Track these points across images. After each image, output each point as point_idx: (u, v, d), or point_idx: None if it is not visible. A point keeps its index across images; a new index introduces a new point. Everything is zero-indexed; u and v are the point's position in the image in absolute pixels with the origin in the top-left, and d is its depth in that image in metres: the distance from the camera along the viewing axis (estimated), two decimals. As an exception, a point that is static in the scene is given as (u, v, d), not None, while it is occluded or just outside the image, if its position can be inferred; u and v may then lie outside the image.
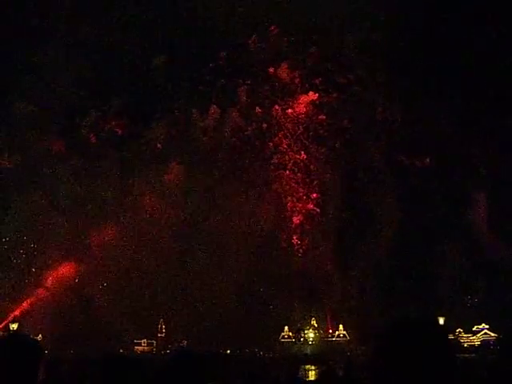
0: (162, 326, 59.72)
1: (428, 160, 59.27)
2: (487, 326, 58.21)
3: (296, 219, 60.78)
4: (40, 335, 55.70)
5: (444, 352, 2.42)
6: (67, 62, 58.55)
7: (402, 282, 55.87)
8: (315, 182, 61.33)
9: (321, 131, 62.18)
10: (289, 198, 60.71)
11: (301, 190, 61.07)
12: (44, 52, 57.85)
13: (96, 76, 58.75)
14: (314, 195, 61.60)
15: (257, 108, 62.51)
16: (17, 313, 53.04)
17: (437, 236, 56.70)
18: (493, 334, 56.37)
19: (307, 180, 61.32)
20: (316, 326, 61.53)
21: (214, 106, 62.02)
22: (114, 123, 61.32)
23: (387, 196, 58.13)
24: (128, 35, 58.62)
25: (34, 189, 57.66)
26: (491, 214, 57.12)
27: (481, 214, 57.99)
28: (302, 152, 61.94)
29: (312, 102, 62.41)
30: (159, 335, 59.79)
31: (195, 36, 59.27)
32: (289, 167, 61.31)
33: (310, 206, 61.16)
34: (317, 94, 62.29)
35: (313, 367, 41.84)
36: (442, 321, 47.60)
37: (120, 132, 61.15)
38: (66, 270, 59.14)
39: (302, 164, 61.78)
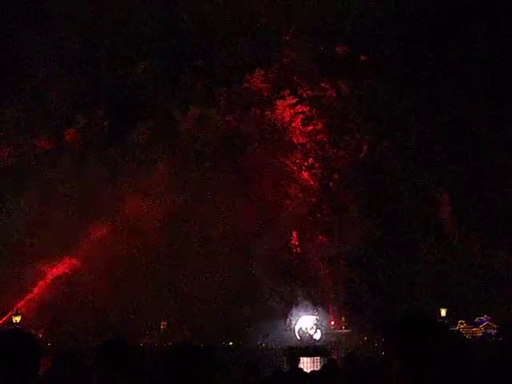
0: (163, 318, 59.97)
1: (396, 161, 61.04)
2: (489, 317, 58.36)
3: (281, 216, 61.31)
4: (42, 329, 56.19)
5: (450, 340, 2.49)
6: (56, 70, 60.39)
7: (384, 278, 58.01)
8: (292, 185, 62.83)
9: (294, 138, 64.20)
10: (272, 198, 61.37)
11: (282, 190, 61.94)
12: (32, 60, 59.79)
13: (83, 84, 61.29)
14: (300, 195, 62.79)
15: (235, 111, 64.49)
16: (19, 306, 53.28)
17: (409, 234, 58.84)
18: (494, 326, 56.53)
19: (285, 182, 62.78)
20: (318, 318, 61.89)
21: (194, 107, 63.76)
22: (100, 126, 63.22)
23: (358, 196, 61.01)
24: (112, 46, 61.48)
25: (26, 187, 58.75)
26: (456, 212, 59.05)
27: (445, 213, 59.70)
28: (279, 155, 63.52)
29: (287, 109, 63.82)
30: (161, 327, 59.96)
31: (172, 45, 62.62)
32: (266, 170, 62.18)
33: (295, 204, 61.97)
34: (295, 99, 63.65)
35: (315, 358, 42.00)
36: (443, 312, 47.67)
37: (106, 135, 63.00)
38: (61, 265, 60.22)
39: (280, 166, 63.07)
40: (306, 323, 61.71)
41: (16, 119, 60.52)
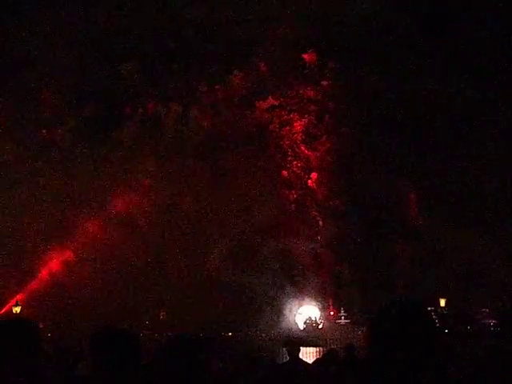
0: (162, 309, 60.30)
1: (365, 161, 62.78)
2: (487, 310, 58.52)
3: (266, 212, 61.99)
4: (42, 320, 56.62)
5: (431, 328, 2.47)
6: (47, 70, 61.73)
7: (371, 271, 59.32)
8: (274, 183, 64.57)
9: (273, 139, 66.06)
10: (255, 193, 62.44)
11: (263, 187, 62.97)
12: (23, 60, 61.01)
13: (72, 84, 63.30)
14: (285, 191, 64.86)
15: (214, 110, 66.20)
16: (18, 298, 53.61)
17: (380, 231, 60.09)
18: (493, 317, 56.65)
19: (267, 180, 63.93)
20: (317, 308, 62.31)
21: (175, 106, 65.34)
22: (88, 125, 64.24)
23: (336, 194, 64.01)
24: (100, 47, 63.38)
25: (14, 184, 59.61)
26: (425, 209, 60.99)
27: (414, 210, 61.59)
28: (259, 153, 64.90)
29: (265, 111, 65.65)
30: (160, 317, 60.25)
31: (155, 45, 65.02)
32: (248, 167, 62.95)
33: (278, 201, 63.86)
34: (274, 102, 65.85)
35: (314, 349, 42.23)
36: (443, 302, 47.78)
37: (94, 132, 63.92)
38: (58, 258, 61.15)
39: (261, 164, 64.17)
40: (312, 313, 62.26)
41: (7, 116, 61.56)
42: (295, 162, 65.42)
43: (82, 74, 63.46)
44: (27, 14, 60.53)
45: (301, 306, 62.28)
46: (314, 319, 62.11)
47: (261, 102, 65.60)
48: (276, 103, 65.65)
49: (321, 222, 64.13)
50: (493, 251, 55.33)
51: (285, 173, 65.20)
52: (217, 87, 66.08)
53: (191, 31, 64.28)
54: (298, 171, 65.34)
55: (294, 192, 65.05)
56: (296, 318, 62.25)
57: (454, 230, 56.15)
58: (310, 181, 65.11)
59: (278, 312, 61.15)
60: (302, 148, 65.78)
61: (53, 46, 61.88)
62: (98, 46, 63.24)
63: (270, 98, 65.55)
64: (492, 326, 54.88)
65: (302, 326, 61.58)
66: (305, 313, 62.33)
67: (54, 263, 61.13)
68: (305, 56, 65.10)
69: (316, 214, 64.48)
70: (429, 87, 59.39)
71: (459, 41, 58.20)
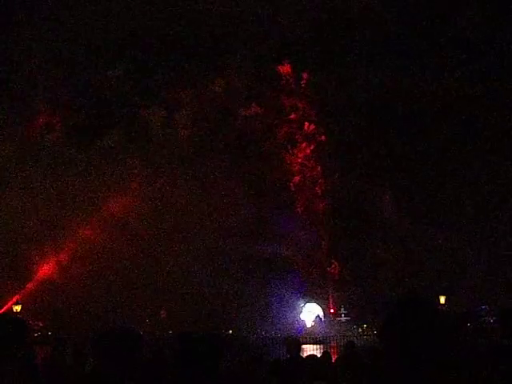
0: (162, 307, 60.43)
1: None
2: (487, 307, 58.61)
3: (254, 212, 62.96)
4: (43, 318, 56.72)
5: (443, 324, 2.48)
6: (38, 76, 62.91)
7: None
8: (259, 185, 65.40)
9: (255, 143, 66.86)
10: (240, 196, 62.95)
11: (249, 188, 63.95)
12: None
13: (63, 90, 64.10)
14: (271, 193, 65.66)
15: (199, 116, 66.82)
16: (19, 296, 53.83)
17: (363, 232, 61.18)
18: (492, 315, 56.74)
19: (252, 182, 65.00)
20: (318, 306, 62.51)
21: (160, 111, 66.22)
22: (77, 130, 65.05)
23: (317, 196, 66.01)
24: (88, 53, 63.96)
25: (6, 188, 59.96)
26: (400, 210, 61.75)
27: (389, 212, 62.28)
28: (243, 158, 65.67)
29: (248, 119, 66.82)
30: (161, 316, 60.34)
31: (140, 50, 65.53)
32: (232, 171, 63.56)
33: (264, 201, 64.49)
34: (262, 109, 66.78)
35: (314, 347, 42.33)
36: (443, 299, 47.83)
37: (83, 136, 64.82)
38: (55, 258, 61.51)
39: (244, 167, 64.87)
40: (319, 311, 62.56)
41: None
42: (277, 167, 66.53)
43: (71, 79, 64.27)
44: (16, 18, 60.71)
45: (304, 304, 62.57)
46: (321, 316, 62.51)
47: (243, 110, 66.72)
48: (259, 111, 66.80)
49: (308, 224, 65.01)
50: (474, 250, 56.38)
51: (269, 177, 66.08)
52: (199, 94, 66.75)
53: (175, 39, 64.41)
54: (280, 176, 66.55)
55: (280, 195, 66.03)
56: (302, 316, 62.54)
57: (433, 228, 57.09)
58: (291, 184, 66.51)
59: (277, 312, 61.33)
60: (284, 154, 67.26)
61: (42, 51, 62.48)
62: (86, 53, 63.85)
63: (253, 104, 66.53)
64: (492, 323, 54.92)
65: (309, 324, 61.85)
66: (313, 310, 62.63)
67: (48, 264, 61.42)
68: (279, 68, 66.34)
69: (301, 216, 65.45)
70: (406, 90, 59.75)
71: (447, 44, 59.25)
